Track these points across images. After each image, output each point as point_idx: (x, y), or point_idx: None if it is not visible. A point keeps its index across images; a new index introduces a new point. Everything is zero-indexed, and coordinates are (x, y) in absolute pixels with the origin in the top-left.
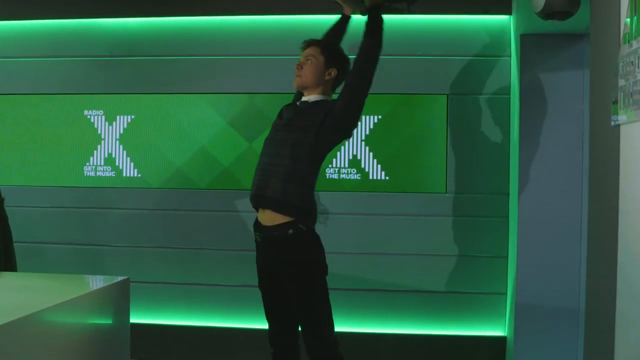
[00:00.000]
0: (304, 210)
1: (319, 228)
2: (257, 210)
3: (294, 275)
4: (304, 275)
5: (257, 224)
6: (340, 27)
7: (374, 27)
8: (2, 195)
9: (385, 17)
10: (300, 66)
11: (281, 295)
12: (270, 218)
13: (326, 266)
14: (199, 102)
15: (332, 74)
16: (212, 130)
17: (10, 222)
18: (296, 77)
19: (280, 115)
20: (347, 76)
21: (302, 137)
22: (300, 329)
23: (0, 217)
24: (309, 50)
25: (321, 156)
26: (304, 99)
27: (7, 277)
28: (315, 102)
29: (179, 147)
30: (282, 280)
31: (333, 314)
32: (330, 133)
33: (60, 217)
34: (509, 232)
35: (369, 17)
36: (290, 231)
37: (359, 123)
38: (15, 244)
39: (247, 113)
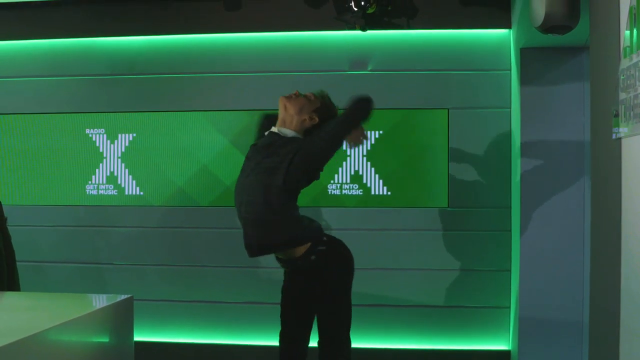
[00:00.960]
0: (307, 235)
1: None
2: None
3: (323, 284)
4: (333, 280)
5: (278, 259)
6: None
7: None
8: (5, 215)
9: (384, 32)
10: (288, 99)
11: (303, 312)
12: (286, 255)
13: (352, 271)
14: (200, 119)
15: (314, 120)
16: (213, 148)
17: (13, 241)
18: (280, 109)
19: (247, 157)
20: (332, 123)
21: (270, 181)
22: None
23: (3, 237)
24: (294, 96)
25: (293, 192)
26: (275, 129)
27: (11, 297)
28: (288, 140)
29: (181, 165)
30: (311, 295)
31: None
32: (301, 172)
33: (63, 235)
34: (512, 246)
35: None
36: (313, 257)
37: None
38: (18, 263)
39: (249, 131)
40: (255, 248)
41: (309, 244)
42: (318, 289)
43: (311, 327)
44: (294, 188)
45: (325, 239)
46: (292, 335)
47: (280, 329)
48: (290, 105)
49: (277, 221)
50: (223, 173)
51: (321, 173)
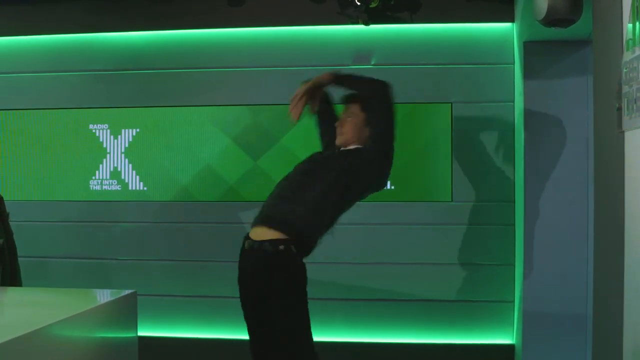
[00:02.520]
0: (303, 235)
1: (326, 239)
2: (253, 226)
3: (274, 287)
4: (286, 290)
5: (246, 239)
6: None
7: (353, 86)
8: (8, 210)
9: (387, 26)
10: (340, 124)
11: (259, 313)
12: (262, 233)
13: (306, 294)
14: (204, 115)
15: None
16: (217, 143)
17: (15, 236)
18: (337, 135)
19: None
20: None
21: (335, 176)
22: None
23: (5, 232)
24: (349, 109)
25: (346, 201)
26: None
27: (14, 292)
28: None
29: (185, 160)
30: (262, 294)
31: (341, 324)
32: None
33: (67, 231)
34: (516, 240)
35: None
36: (282, 247)
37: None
38: (21, 259)
39: (252, 130)
40: (263, 215)
41: (291, 237)
42: (269, 292)
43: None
44: (355, 191)
45: (303, 248)
46: (252, 330)
47: None
48: (344, 138)
49: (310, 206)
50: (227, 170)
51: None
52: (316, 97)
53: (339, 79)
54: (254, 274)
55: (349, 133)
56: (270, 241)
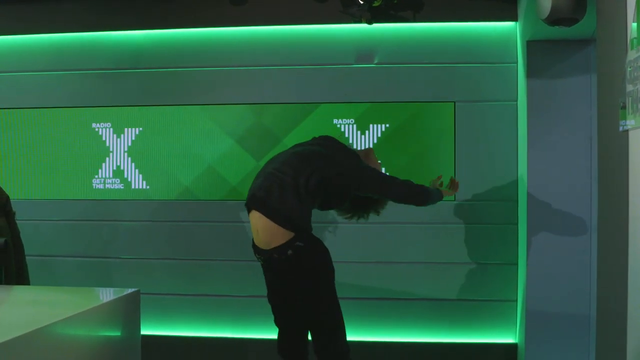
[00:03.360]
0: (301, 226)
1: (328, 238)
2: (249, 211)
3: (300, 286)
4: (311, 283)
5: (255, 247)
6: None
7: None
8: (13, 209)
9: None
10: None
11: (290, 308)
12: (266, 240)
13: (332, 271)
14: (207, 113)
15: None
16: (220, 143)
17: (20, 235)
18: None
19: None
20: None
21: (323, 167)
22: (311, 338)
23: (12, 231)
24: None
25: (326, 191)
26: None
27: (19, 291)
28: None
29: (188, 159)
30: (290, 293)
31: (345, 323)
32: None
33: (70, 230)
34: (519, 239)
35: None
36: (290, 252)
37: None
38: (26, 257)
39: (255, 130)
40: (257, 200)
41: (292, 235)
42: (296, 292)
43: (301, 323)
44: (337, 189)
45: (305, 236)
46: (284, 323)
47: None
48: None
49: (297, 196)
50: (230, 171)
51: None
52: None
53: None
54: (279, 277)
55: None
56: (276, 249)
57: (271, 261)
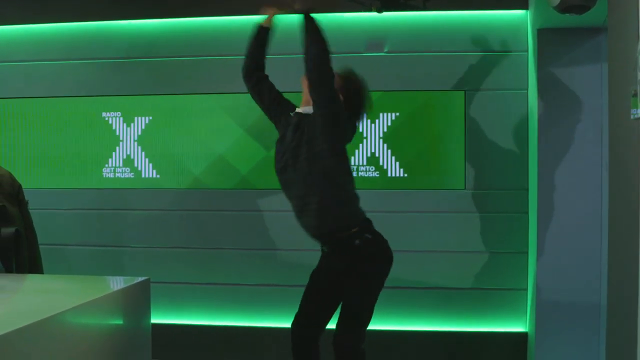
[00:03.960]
0: (355, 221)
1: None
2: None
3: (364, 277)
4: (374, 275)
5: (317, 236)
6: (263, 41)
7: (310, 33)
8: (26, 198)
9: (400, 14)
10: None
11: (330, 290)
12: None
13: (387, 272)
14: (217, 102)
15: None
16: (230, 132)
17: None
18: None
19: (279, 140)
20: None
21: (320, 164)
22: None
23: (25, 220)
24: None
25: (341, 154)
26: (300, 109)
27: (31, 280)
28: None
29: (197, 148)
30: (341, 277)
31: None
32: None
33: (80, 219)
34: (529, 228)
35: (303, 23)
36: (357, 242)
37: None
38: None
39: (265, 118)
40: (319, 235)
41: (356, 229)
42: (354, 278)
43: (332, 314)
44: (338, 144)
45: (372, 229)
46: (312, 317)
47: (297, 310)
48: (304, 89)
49: (337, 198)
50: (240, 160)
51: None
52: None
53: (308, 19)
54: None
55: (305, 94)
56: (344, 238)
57: (337, 247)
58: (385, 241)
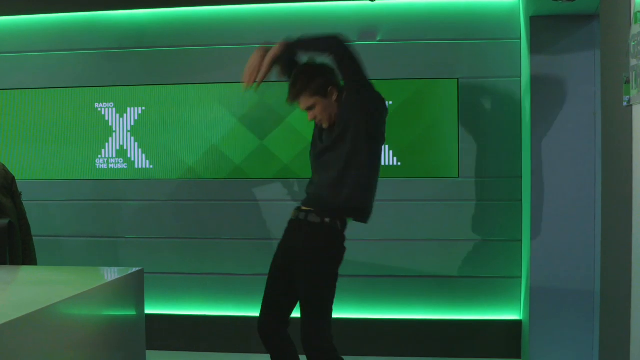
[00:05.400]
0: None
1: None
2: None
3: (308, 262)
4: (318, 262)
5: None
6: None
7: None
8: (19, 190)
9: (392, 2)
10: (310, 115)
11: (288, 281)
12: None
13: (340, 260)
14: (210, 92)
15: (333, 92)
16: (223, 122)
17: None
18: (316, 122)
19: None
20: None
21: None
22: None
23: (18, 211)
24: (302, 103)
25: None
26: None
27: (24, 271)
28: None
29: (191, 138)
30: (295, 267)
31: (349, 301)
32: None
33: (74, 210)
34: (523, 215)
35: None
36: (327, 220)
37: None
38: (33, 238)
39: (258, 108)
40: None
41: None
42: (302, 275)
43: (292, 304)
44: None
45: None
46: (272, 307)
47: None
48: (321, 119)
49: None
50: (233, 150)
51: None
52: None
53: (293, 47)
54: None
55: (323, 114)
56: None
57: (302, 222)
58: (339, 244)
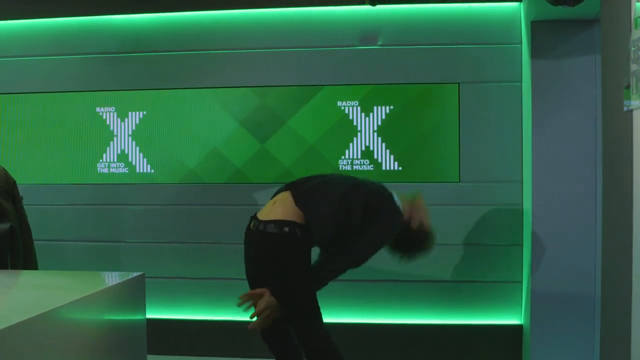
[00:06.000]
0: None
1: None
2: (278, 192)
3: (277, 272)
4: (287, 272)
5: (252, 220)
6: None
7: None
8: (21, 194)
9: (393, 6)
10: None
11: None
12: (274, 212)
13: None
14: (211, 97)
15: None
16: (224, 126)
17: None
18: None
19: None
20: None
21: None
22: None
23: (20, 215)
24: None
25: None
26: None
27: (26, 275)
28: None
29: (192, 142)
30: (267, 276)
31: (351, 306)
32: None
33: (76, 214)
34: (524, 220)
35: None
36: (286, 229)
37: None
38: (34, 242)
39: (259, 112)
40: (297, 185)
41: (302, 222)
42: (277, 270)
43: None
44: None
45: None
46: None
47: None
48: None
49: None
50: (234, 153)
51: (332, 151)
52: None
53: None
54: (260, 252)
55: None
56: (275, 222)
57: (262, 233)
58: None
